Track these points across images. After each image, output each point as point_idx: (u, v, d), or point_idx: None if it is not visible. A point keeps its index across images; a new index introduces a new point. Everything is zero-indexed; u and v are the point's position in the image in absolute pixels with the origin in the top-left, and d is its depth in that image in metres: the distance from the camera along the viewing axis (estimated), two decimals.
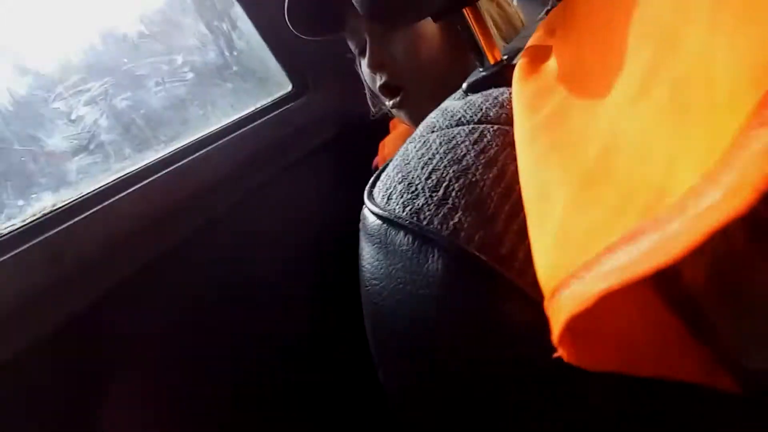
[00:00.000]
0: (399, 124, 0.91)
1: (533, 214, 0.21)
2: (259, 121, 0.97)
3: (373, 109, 0.88)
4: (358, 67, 0.78)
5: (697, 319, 0.17)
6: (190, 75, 1.00)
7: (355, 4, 0.32)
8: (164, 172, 0.82)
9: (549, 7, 0.55)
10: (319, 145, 1.08)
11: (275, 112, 1.01)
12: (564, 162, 0.20)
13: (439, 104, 0.70)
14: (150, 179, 0.80)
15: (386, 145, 0.90)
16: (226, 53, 1.08)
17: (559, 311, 0.16)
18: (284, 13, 0.69)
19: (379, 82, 0.69)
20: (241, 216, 0.94)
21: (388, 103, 0.71)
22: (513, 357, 0.22)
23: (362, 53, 0.72)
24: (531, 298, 0.21)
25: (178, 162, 0.85)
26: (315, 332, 1.02)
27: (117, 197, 0.76)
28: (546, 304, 0.17)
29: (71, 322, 0.69)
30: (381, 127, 0.95)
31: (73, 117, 0.81)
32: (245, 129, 0.95)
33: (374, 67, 0.68)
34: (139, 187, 0.79)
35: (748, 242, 0.16)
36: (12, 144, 0.74)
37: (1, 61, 0.77)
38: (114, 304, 0.75)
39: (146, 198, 0.79)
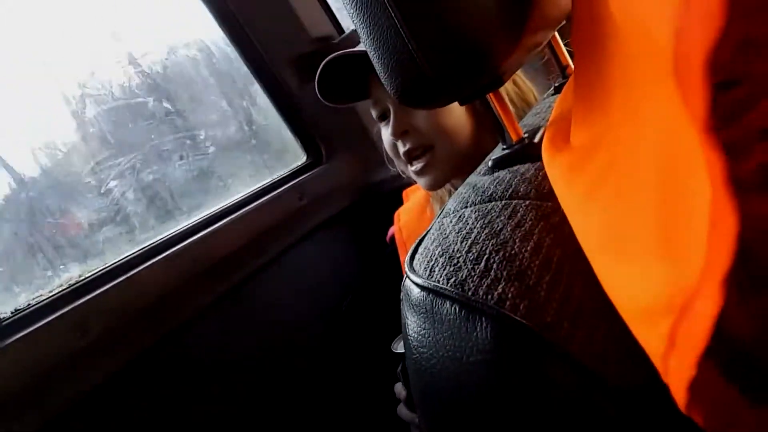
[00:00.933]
0: (412, 194, 0.94)
1: (612, 261, 0.22)
2: (276, 192, 1.01)
3: (392, 170, 0.92)
4: (379, 133, 0.82)
5: (751, 378, 0.18)
6: (212, 149, 1.05)
7: (387, 88, 0.35)
8: (186, 242, 0.84)
9: (557, 84, 0.59)
10: (335, 214, 1.11)
11: (292, 182, 1.05)
12: (632, 208, 0.21)
13: (458, 171, 0.75)
14: (173, 249, 0.83)
15: (401, 215, 0.93)
16: (246, 128, 1.14)
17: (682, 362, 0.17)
18: (315, 84, 0.75)
19: (402, 149, 0.73)
20: (261, 284, 0.95)
21: (411, 168, 0.74)
22: (562, 421, 0.23)
23: (383, 119, 0.77)
24: (578, 362, 0.22)
25: (200, 232, 0.87)
26: (333, 399, 1.01)
27: (141, 267, 0.78)
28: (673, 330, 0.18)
29: (94, 392, 0.69)
30: (395, 196, 0.99)
31: (102, 190, 0.85)
32: (264, 199, 0.98)
33: (397, 135, 0.72)
34: (163, 258, 0.81)
35: None
36: (45, 217, 0.77)
37: (34, 136, 0.82)
38: (136, 373, 0.76)
39: (169, 268, 0.81)
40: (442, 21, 0.30)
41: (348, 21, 1.12)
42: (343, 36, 1.11)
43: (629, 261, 0.21)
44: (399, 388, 0.73)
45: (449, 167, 0.72)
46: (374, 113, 0.77)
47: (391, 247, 0.93)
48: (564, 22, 0.51)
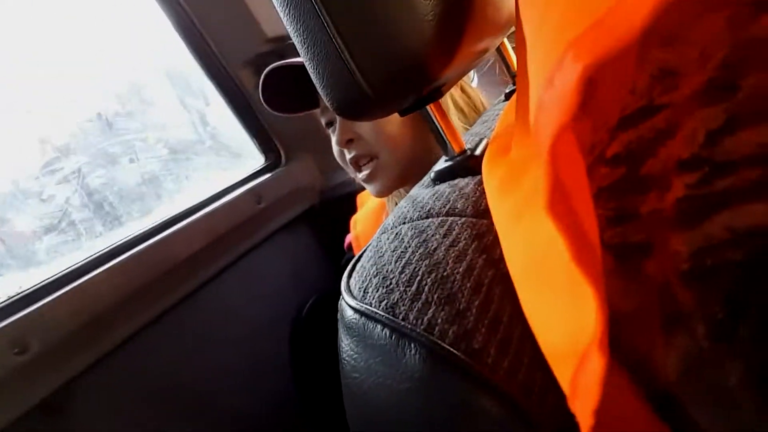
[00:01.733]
0: (367, 199, 0.93)
1: (535, 292, 0.21)
2: (233, 195, 0.99)
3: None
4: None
5: (681, 418, 0.18)
6: (164, 151, 1.01)
7: (324, 101, 0.34)
8: (137, 249, 0.81)
9: (508, 91, 0.59)
10: (294, 217, 1.09)
11: (249, 185, 1.02)
12: (552, 244, 0.21)
13: (408, 179, 0.74)
14: (123, 257, 0.80)
15: (357, 222, 0.92)
16: (200, 129, 1.11)
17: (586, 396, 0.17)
18: (259, 92, 0.73)
19: (348, 156, 0.72)
20: (218, 290, 0.93)
21: (358, 176, 0.74)
22: None
23: (330, 126, 0.76)
24: (504, 392, 0.22)
25: (152, 238, 0.84)
26: (291, 405, 0.99)
27: (88, 277, 0.75)
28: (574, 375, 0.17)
29: (33, 412, 0.66)
30: (354, 197, 0.98)
31: (44, 196, 0.81)
32: (220, 203, 0.96)
33: (342, 144, 0.71)
34: (112, 266, 0.78)
35: (709, 341, 0.17)
36: None
37: None
38: (81, 391, 0.73)
39: (119, 276, 0.78)
40: (376, 33, 0.29)
41: None
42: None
43: (546, 294, 0.21)
44: None
45: (395, 175, 0.72)
46: (322, 121, 0.76)
47: (349, 255, 0.93)
48: (513, 29, 0.51)
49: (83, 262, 0.78)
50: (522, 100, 0.29)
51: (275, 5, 0.32)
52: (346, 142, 0.71)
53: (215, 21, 1.02)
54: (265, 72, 0.70)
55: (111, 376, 0.76)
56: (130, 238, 0.85)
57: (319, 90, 0.33)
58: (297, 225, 1.11)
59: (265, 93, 0.73)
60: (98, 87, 0.94)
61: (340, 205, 1.05)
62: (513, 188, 0.26)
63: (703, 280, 0.16)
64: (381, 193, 0.74)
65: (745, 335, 0.16)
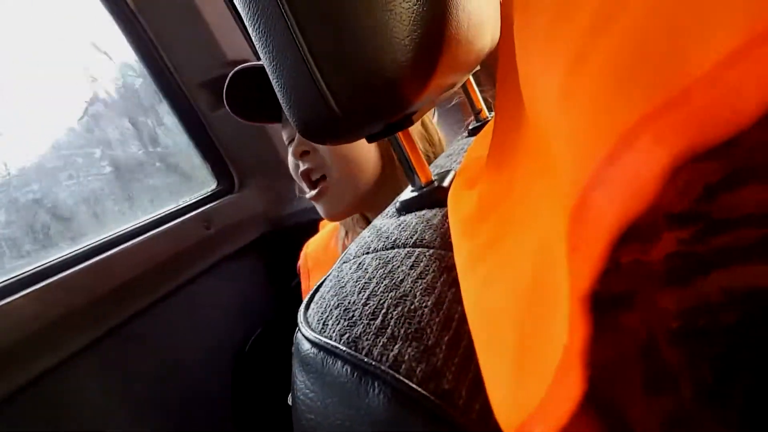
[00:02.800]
0: (328, 223, 0.91)
1: (483, 345, 0.20)
2: (181, 219, 0.94)
3: (305, 202, 0.89)
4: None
5: None
6: (108, 169, 0.96)
7: (289, 120, 0.32)
8: (68, 272, 0.75)
9: (471, 127, 0.60)
10: (244, 245, 1.05)
11: (199, 210, 0.98)
12: (505, 292, 0.20)
13: (362, 206, 0.73)
14: (51, 279, 0.73)
15: (310, 243, 0.89)
16: (150, 148, 1.06)
17: None
18: (223, 95, 0.70)
19: (301, 168, 0.71)
20: (157, 319, 0.87)
21: (308, 192, 0.72)
22: None
23: (291, 142, 0.74)
24: None
25: (86, 261, 0.78)
26: None
27: (8, 300, 0.68)
28: None
29: None
30: (309, 228, 0.95)
31: None
32: (166, 226, 0.91)
33: (297, 155, 0.70)
34: (37, 289, 0.71)
35: (697, 404, 0.16)
36: None
37: None
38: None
39: (44, 301, 0.71)
40: (349, 52, 0.28)
41: None
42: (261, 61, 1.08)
43: (491, 351, 0.20)
44: None
45: (347, 199, 0.70)
46: (285, 135, 0.75)
47: (298, 278, 0.89)
48: (478, 67, 0.52)
49: (4, 284, 0.71)
50: (499, 139, 0.28)
51: (244, 18, 0.31)
52: (301, 154, 0.69)
53: (174, 39, 0.99)
54: (232, 71, 0.68)
55: (25, 413, 0.68)
56: (60, 259, 0.78)
57: (284, 108, 0.32)
58: (246, 253, 1.07)
59: (229, 95, 0.70)
60: (41, 95, 0.88)
61: (292, 234, 1.02)
62: (474, 231, 0.25)
63: (692, 341, 0.15)
64: (330, 216, 0.72)
65: (736, 400, 0.15)
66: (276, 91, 0.32)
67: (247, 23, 0.30)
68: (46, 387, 0.71)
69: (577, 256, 0.13)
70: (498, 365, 0.19)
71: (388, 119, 0.32)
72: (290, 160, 0.74)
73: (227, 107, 0.72)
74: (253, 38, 0.31)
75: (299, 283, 0.87)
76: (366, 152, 0.70)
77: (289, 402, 0.64)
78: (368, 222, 0.77)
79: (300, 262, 0.88)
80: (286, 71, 0.30)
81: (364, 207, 0.72)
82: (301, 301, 0.83)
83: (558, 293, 0.15)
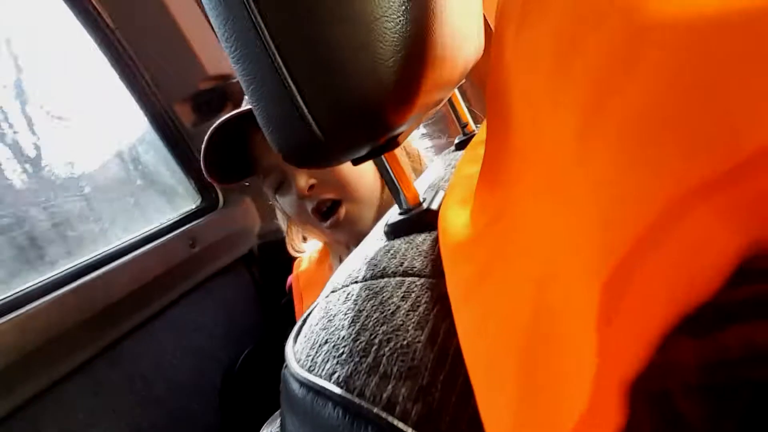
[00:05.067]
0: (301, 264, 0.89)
1: (481, 381, 0.19)
2: (165, 237, 0.92)
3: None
4: (276, 205, 0.78)
5: None
6: (87, 189, 0.93)
7: (270, 145, 0.31)
8: (49, 297, 0.72)
9: (458, 141, 0.59)
10: (231, 263, 1.03)
11: (183, 228, 0.96)
12: (503, 326, 0.19)
13: (377, 217, 0.71)
14: (31, 306, 0.70)
15: (303, 260, 0.88)
16: (130, 166, 1.04)
17: None
18: (200, 163, 0.69)
19: (310, 207, 0.68)
20: (142, 342, 0.84)
21: (325, 226, 0.70)
22: None
23: (278, 190, 0.72)
24: None
25: (68, 285, 0.76)
26: None
27: None
28: None
29: None
30: None
31: None
32: (150, 246, 0.89)
33: (304, 190, 0.67)
34: (17, 316, 0.68)
35: None
36: None
37: None
38: None
39: (24, 328, 0.69)
40: (331, 75, 0.27)
41: None
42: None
43: (490, 388, 0.19)
44: None
45: (369, 215, 0.70)
46: (270, 185, 0.72)
47: (288, 297, 0.88)
48: (464, 80, 0.51)
49: None
50: (491, 159, 0.27)
51: (221, 41, 0.30)
52: (309, 188, 0.67)
53: (153, 54, 0.97)
54: (211, 129, 0.66)
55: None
56: (39, 283, 0.75)
57: (266, 134, 0.31)
58: (233, 271, 1.05)
59: (206, 164, 0.68)
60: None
61: (279, 250, 1.01)
62: (467, 257, 0.24)
63: (714, 396, 0.14)
64: (357, 237, 0.70)
65: None
66: (256, 115, 0.31)
67: (223, 46, 0.29)
68: (29, 415, 0.68)
69: (613, 334, 0.11)
70: (497, 402, 0.18)
71: (373, 142, 0.31)
72: (292, 206, 0.71)
73: (208, 177, 0.70)
74: (231, 61, 0.30)
75: (289, 302, 0.86)
76: (369, 170, 0.69)
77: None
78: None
79: (292, 283, 0.86)
80: (265, 95, 0.29)
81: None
82: (290, 321, 0.82)
83: (572, 347, 0.14)
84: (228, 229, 1.04)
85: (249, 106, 0.44)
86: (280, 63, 0.27)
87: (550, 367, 0.16)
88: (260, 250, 1.09)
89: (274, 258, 0.99)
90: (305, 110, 0.28)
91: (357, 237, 0.70)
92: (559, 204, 0.16)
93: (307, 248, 0.89)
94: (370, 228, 0.70)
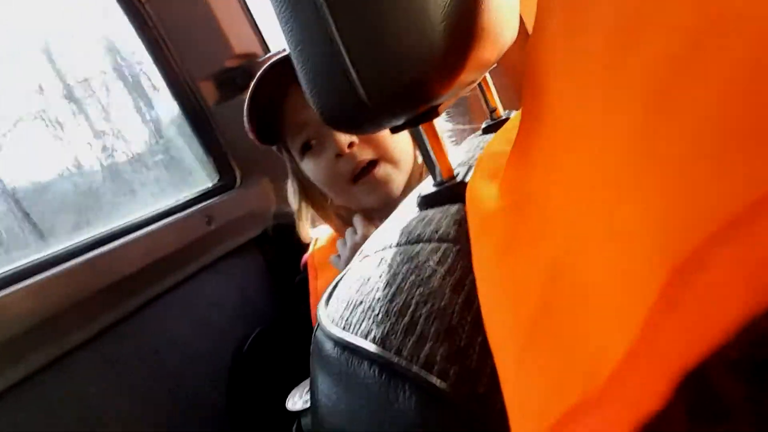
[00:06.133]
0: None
1: (496, 359, 0.19)
2: (182, 214, 0.92)
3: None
4: (290, 184, 0.80)
5: None
6: (108, 161, 0.94)
7: (312, 106, 0.31)
8: (62, 267, 0.73)
9: (485, 126, 0.59)
10: (246, 241, 1.03)
11: (200, 205, 0.96)
12: (512, 301, 0.19)
13: (405, 186, 0.71)
14: (43, 275, 0.71)
15: (319, 240, 0.88)
16: (152, 140, 1.04)
17: None
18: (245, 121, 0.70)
19: (346, 167, 0.68)
20: (154, 317, 0.85)
21: (356, 188, 0.70)
22: None
23: (306, 150, 0.72)
24: None
25: (82, 255, 0.76)
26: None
27: (5, 293, 0.66)
28: None
29: None
30: None
31: None
32: (166, 221, 0.89)
33: (345, 148, 0.67)
34: (30, 284, 0.69)
35: None
36: None
37: None
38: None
39: (38, 296, 0.69)
40: (382, 42, 0.27)
41: (276, 41, 1.07)
42: (269, 55, 1.07)
43: (500, 354, 0.19)
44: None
45: (404, 178, 0.70)
46: (297, 144, 0.72)
47: (303, 274, 0.87)
48: (495, 65, 0.51)
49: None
50: (522, 140, 0.27)
51: None
52: (349, 146, 0.67)
53: (181, 31, 0.97)
54: (259, 73, 0.66)
55: (19, 410, 0.66)
56: (56, 253, 0.76)
57: (308, 94, 0.30)
58: (248, 250, 1.05)
59: (251, 114, 0.69)
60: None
61: (294, 233, 1.01)
62: (491, 229, 0.24)
63: (755, 374, 0.13)
64: (387, 199, 0.70)
65: None
66: (299, 76, 0.30)
67: (272, 3, 0.29)
68: (43, 384, 0.69)
69: (677, 321, 0.11)
70: (505, 370, 0.18)
71: (415, 110, 0.31)
72: (324, 166, 0.71)
73: (253, 134, 0.71)
74: (277, 18, 0.29)
75: (303, 280, 0.85)
76: (406, 137, 0.70)
77: (288, 407, 0.62)
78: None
79: (308, 259, 0.86)
80: (312, 55, 0.28)
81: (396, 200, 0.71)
82: (304, 299, 0.81)
83: (596, 326, 0.13)
84: (244, 209, 1.04)
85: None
86: (331, 22, 0.27)
87: (558, 342, 0.16)
88: (275, 231, 1.09)
89: (289, 240, 0.99)
90: (352, 72, 0.27)
91: (384, 203, 0.70)
92: (609, 189, 0.16)
93: (315, 234, 0.89)
94: (397, 197, 0.70)
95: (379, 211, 0.72)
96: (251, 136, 0.71)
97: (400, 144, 0.70)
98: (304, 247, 0.91)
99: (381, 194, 0.70)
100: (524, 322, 0.18)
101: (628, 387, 0.12)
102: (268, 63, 0.66)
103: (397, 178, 0.70)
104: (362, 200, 0.71)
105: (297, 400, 0.60)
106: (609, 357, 0.13)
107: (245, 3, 1.06)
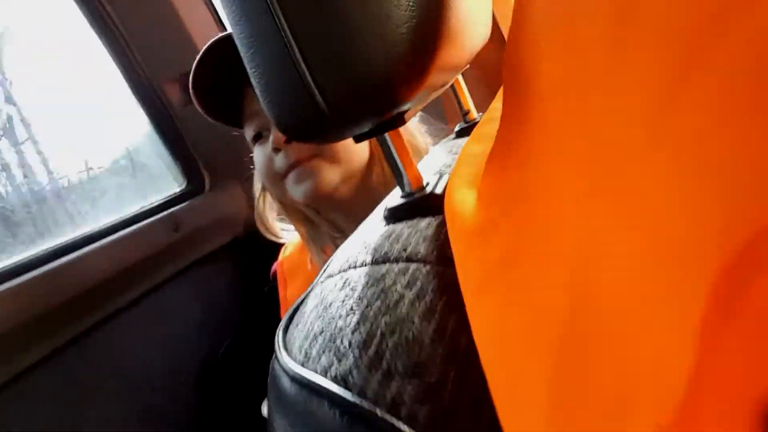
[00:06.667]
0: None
1: (502, 390, 0.17)
2: (147, 221, 0.88)
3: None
4: (255, 174, 0.76)
5: None
6: (68, 168, 0.90)
7: (269, 118, 0.29)
8: (20, 279, 0.68)
9: (458, 129, 0.57)
10: (215, 249, 0.99)
11: (166, 212, 0.92)
12: (531, 320, 0.17)
13: (347, 179, 0.69)
14: (2, 287, 0.67)
15: (288, 246, 0.85)
16: (115, 146, 1.00)
17: None
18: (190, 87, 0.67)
19: (280, 164, 0.66)
20: (119, 330, 0.81)
21: (288, 180, 0.67)
22: None
23: (258, 139, 0.70)
24: None
25: (41, 267, 0.72)
26: None
27: None
28: None
29: None
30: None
31: None
32: (130, 229, 0.85)
33: (279, 141, 0.65)
34: None
35: None
36: None
37: None
38: None
39: None
40: (341, 44, 0.25)
41: None
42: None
43: (511, 388, 0.16)
44: None
45: (338, 176, 0.67)
46: (249, 132, 0.71)
47: (273, 283, 0.85)
48: (467, 66, 0.49)
49: None
50: (505, 138, 0.25)
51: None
52: (286, 141, 0.65)
53: (143, 29, 0.93)
54: (204, 48, 0.64)
55: None
56: (12, 264, 0.72)
57: (263, 103, 0.28)
58: (218, 258, 1.01)
59: (196, 80, 0.66)
60: None
61: (266, 239, 0.98)
62: (484, 244, 0.22)
63: None
64: (312, 192, 0.66)
65: None
66: (253, 83, 0.28)
67: (222, 3, 0.27)
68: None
69: (736, 332, 0.09)
70: (523, 405, 0.16)
71: (379, 117, 0.29)
72: (263, 158, 0.69)
73: (192, 92, 0.67)
74: (228, 21, 0.27)
75: (273, 288, 0.83)
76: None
77: (264, 413, 0.59)
78: (343, 234, 0.73)
79: (276, 267, 0.83)
80: (265, 60, 0.26)
81: (346, 200, 0.68)
82: (274, 309, 0.78)
83: (641, 340, 0.11)
84: (213, 215, 1.01)
85: None
86: (284, 25, 0.24)
87: (599, 364, 0.14)
88: (247, 238, 1.05)
89: (261, 247, 0.96)
90: (309, 78, 0.25)
91: (312, 196, 0.67)
92: (625, 180, 0.14)
93: (280, 230, 0.86)
94: (338, 200, 0.68)
95: (314, 208, 0.72)
96: (194, 100, 0.68)
97: (346, 143, 0.67)
98: (277, 254, 0.88)
99: (308, 187, 0.66)
100: (553, 341, 0.15)
101: (704, 416, 0.10)
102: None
103: (329, 174, 0.67)
104: (290, 191, 0.68)
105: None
106: (671, 377, 0.11)
107: (211, 2, 1.02)
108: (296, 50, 0.25)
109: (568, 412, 0.14)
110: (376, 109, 0.27)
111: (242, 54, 0.27)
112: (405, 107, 0.30)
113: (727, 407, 0.10)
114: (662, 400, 0.11)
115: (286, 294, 0.78)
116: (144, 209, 0.92)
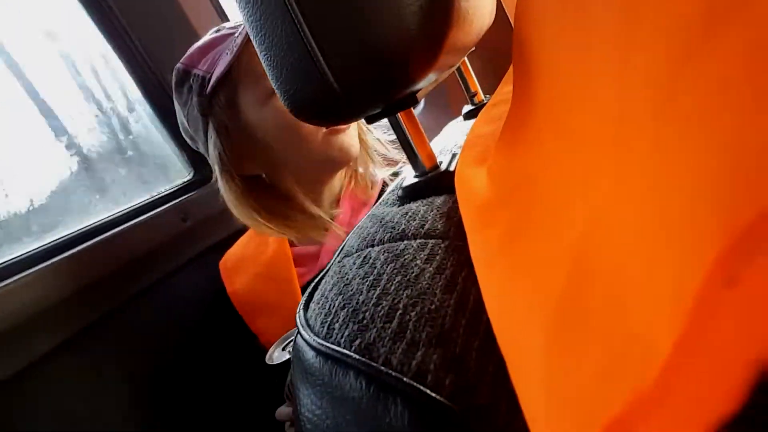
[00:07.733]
0: None
1: (512, 360, 0.18)
2: (156, 211, 0.89)
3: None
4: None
5: None
6: (76, 159, 0.90)
7: (284, 103, 0.29)
8: (36, 269, 0.69)
9: (466, 111, 0.57)
10: (224, 238, 1.00)
11: (175, 201, 0.93)
12: (531, 293, 0.17)
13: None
14: (16, 277, 0.68)
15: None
16: (121, 136, 1.00)
17: None
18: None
19: None
20: (132, 317, 0.82)
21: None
22: None
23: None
24: None
25: (55, 257, 0.73)
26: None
27: None
28: None
29: None
30: None
31: None
32: (140, 219, 0.86)
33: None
34: (2, 287, 0.65)
35: None
36: None
37: None
38: None
39: (8, 301, 0.66)
40: (354, 25, 0.25)
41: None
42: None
43: (518, 354, 0.17)
44: (283, 414, 0.64)
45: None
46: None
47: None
48: (473, 48, 0.49)
49: None
50: (515, 117, 0.25)
51: None
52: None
53: (145, 21, 0.93)
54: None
55: (3, 410, 0.63)
56: (18, 257, 0.72)
57: (275, 85, 0.28)
58: (227, 247, 1.01)
59: None
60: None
61: None
62: (491, 219, 0.22)
63: None
64: (345, 161, 0.73)
65: None
66: (264, 65, 0.28)
67: None
68: (16, 390, 0.66)
69: (739, 298, 0.10)
70: (528, 372, 0.17)
71: (392, 98, 0.29)
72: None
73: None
74: (236, 3, 0.27)
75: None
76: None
77: (269, 360, 0.59)
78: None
79: (220, 265, 0.87)
80: (277, 43, 0.26)
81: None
82: (227, 305, 0.79)
83: (636, 303, 0.12)
84: (221, 204, 1.01)
85: None
86: (294, 7, 0.25)
87: (591, 331, 0.14)
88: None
89: None
90: (321, 60, 0.25)
91: (343, 164, 0.74)
92: (629, 150, 0.14)
93: None
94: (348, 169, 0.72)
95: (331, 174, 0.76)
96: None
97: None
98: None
99: (345, 154, 0.70)
100: (549, 312, 0.16)
101: (691, 381, 0.10)
102: None
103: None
104: (329, 150, 0.70)
105: (277, 355, 0.57)
106: (658, 343, 0.11)
107: None
108: (307, 31, 0.25)
109: (562, 379, 0.14)
110: (388, 89, 0.27)
111: (252, 37, 0.27)
112: (417, 87, 0.30)
113: (717, 370, 0.10)
114: (646, 366, 0.11)
115: (235, 289, 0.82)
116: (152, 199, 0.93)
